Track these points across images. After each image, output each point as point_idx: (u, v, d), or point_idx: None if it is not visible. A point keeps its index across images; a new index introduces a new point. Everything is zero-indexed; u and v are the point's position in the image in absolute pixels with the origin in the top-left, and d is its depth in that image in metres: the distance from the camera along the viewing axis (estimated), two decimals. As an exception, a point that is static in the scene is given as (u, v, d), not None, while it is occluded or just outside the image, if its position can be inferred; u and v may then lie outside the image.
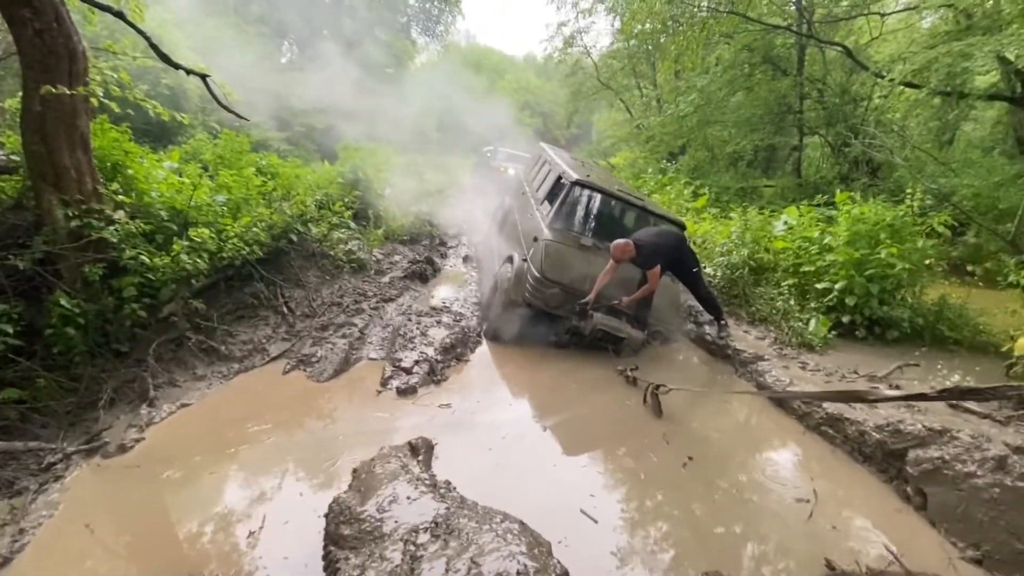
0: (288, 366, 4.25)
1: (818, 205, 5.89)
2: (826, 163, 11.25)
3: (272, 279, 5.02)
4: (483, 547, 2.03)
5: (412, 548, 2.15)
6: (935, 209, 5.58)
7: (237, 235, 4.70)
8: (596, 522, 2.67)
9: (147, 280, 4.06)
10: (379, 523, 2.36)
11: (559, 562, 2.00)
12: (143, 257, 4.02)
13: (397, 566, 2.05)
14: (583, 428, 3.72)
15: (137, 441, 3.23)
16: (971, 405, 3.33)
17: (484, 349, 4.92)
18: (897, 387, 3.76)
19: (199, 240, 4.36)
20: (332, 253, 5.62)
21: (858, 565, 2.32)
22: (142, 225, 4.21)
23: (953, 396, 1.61)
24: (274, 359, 4.36)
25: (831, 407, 3.52)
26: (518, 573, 1.83)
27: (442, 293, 5.88)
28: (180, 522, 2.60)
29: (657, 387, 3.86)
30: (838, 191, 5.64)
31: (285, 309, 4.89)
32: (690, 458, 3.28)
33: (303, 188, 6.24)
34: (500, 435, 3.52)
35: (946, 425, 2.87)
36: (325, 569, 2.29)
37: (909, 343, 4.73)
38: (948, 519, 2.65)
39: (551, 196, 5.46)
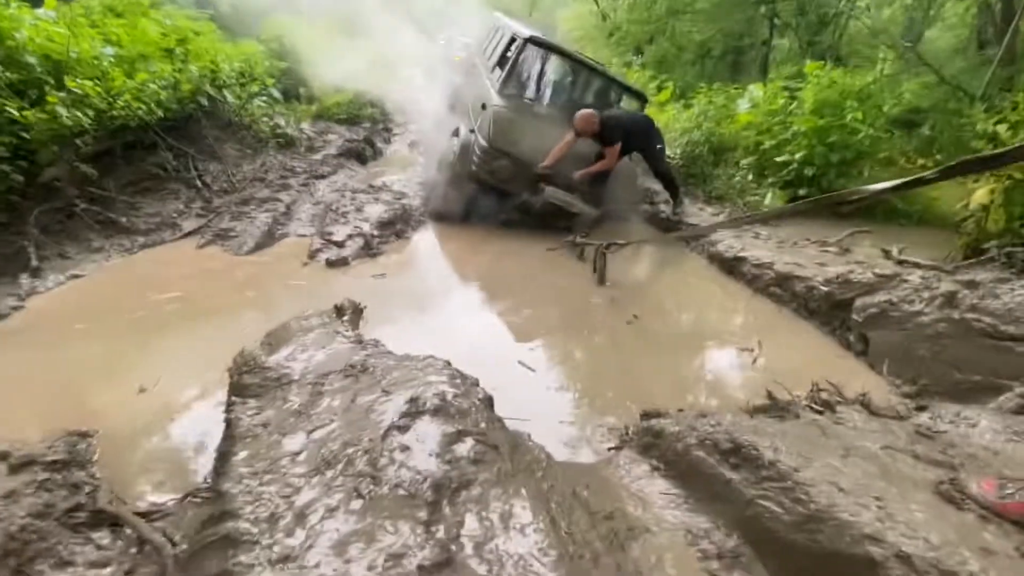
0: (202, 241, 3.79)
1: (786, 80, 5.54)
2: (793, 59, 10.76)
3: (182, 149, 4.39)
4: (397, 379, 1.79)
5: (320, 388, 1.89)
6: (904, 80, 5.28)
7: (130, 91, 3.99)
8: (534, 371, 2.50)
9: (20, 139, 3.42)
10: (287, 370, 2.08)
11: (483, 390, 1.79)
12: (11, 110, 3.35)
13: (300, 405, 1.80)
14: (527, 295, 3.50)
15: (15, 309, 2.81)
16: (918, 259, 3.26)
17: (427, 229, 4.56)
18: (848, 250, 3.68)
19: (80, 92, 3.66)
20: (254, 126, 4.96)
21: (798, 396, 2.24)
22: (7, 74, 3.49)
23: (960, 170, 1.24)
24: (187, 235, 3.87)
25: (782, 267, 3.41)
26: (434, 396, 1.60)
27: (383, 173, 5.37)
28: (58, 383, 2.26)
29: (607, 246, 3.62)
30: (808, 62, 5.27)
31: (199, 183, 4.32)
32: (636, 316, 3.13)
33: (220, 55, 5.39)
34: (438, 302, 3.26)
35: (897, 271, 2.78)
36: (225, 420, 2.04)
37: (861, 217, 4.63)
38: (889, 358, 2.61)
39: (502, 60, 4.87)
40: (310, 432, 1.49)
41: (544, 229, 4.60)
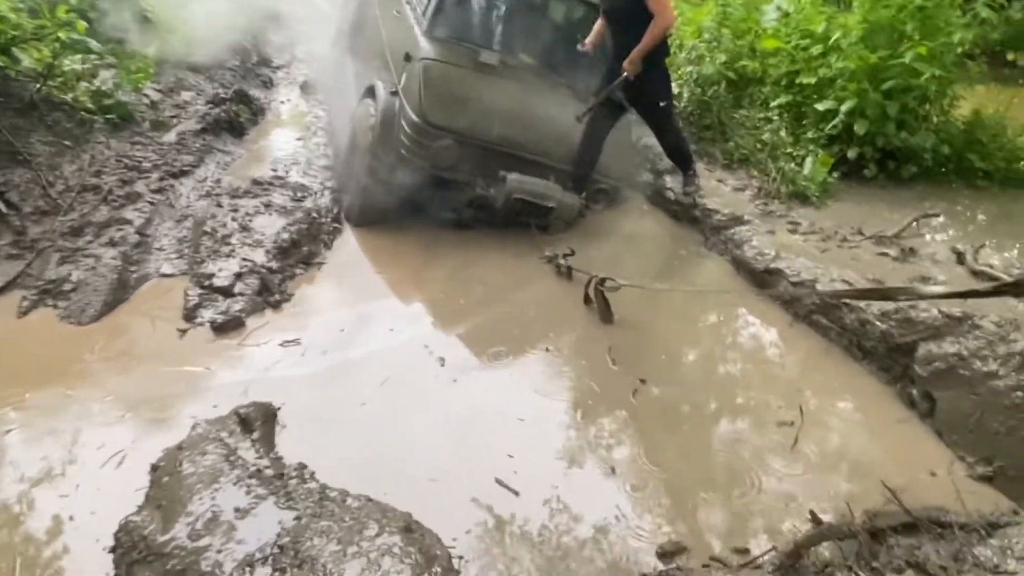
0: (26, 303, 3.70)
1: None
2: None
3: (-34, 154, 4.17)
4: (347, 585, 1.95)
5: (244, 595, 2.03)
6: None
7: None
8: (517, 494, 2.68)
9: None
10: (194, 558, 2.20)
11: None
12: None
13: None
14: (497, 352, 3.63)
15: None
16: (995, 269, 3.58)
17: (346, 239, 4.56)
18: (911, 251, 3.97)
19: None
20: (69, 98, 4.70)
21: (849, 509, 2.53)
22: None
23: (1018, 291, 1.63)
24: (0, 291, 3.77)
25: (827, 288, 3.65)
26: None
27: (271, 152, 5.25)
28: None
29: (602, 281, 3.76)
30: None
31: (1, 205, 4.14)
32: (642, 381, 3.33)
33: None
34: (378, 378, 3.36)
35: (968, 311, 3.04)
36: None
37: (929, 180, 4.96)
38: (957, 429, 2.92)
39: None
40: None
41: (510, 229, 4.66)
